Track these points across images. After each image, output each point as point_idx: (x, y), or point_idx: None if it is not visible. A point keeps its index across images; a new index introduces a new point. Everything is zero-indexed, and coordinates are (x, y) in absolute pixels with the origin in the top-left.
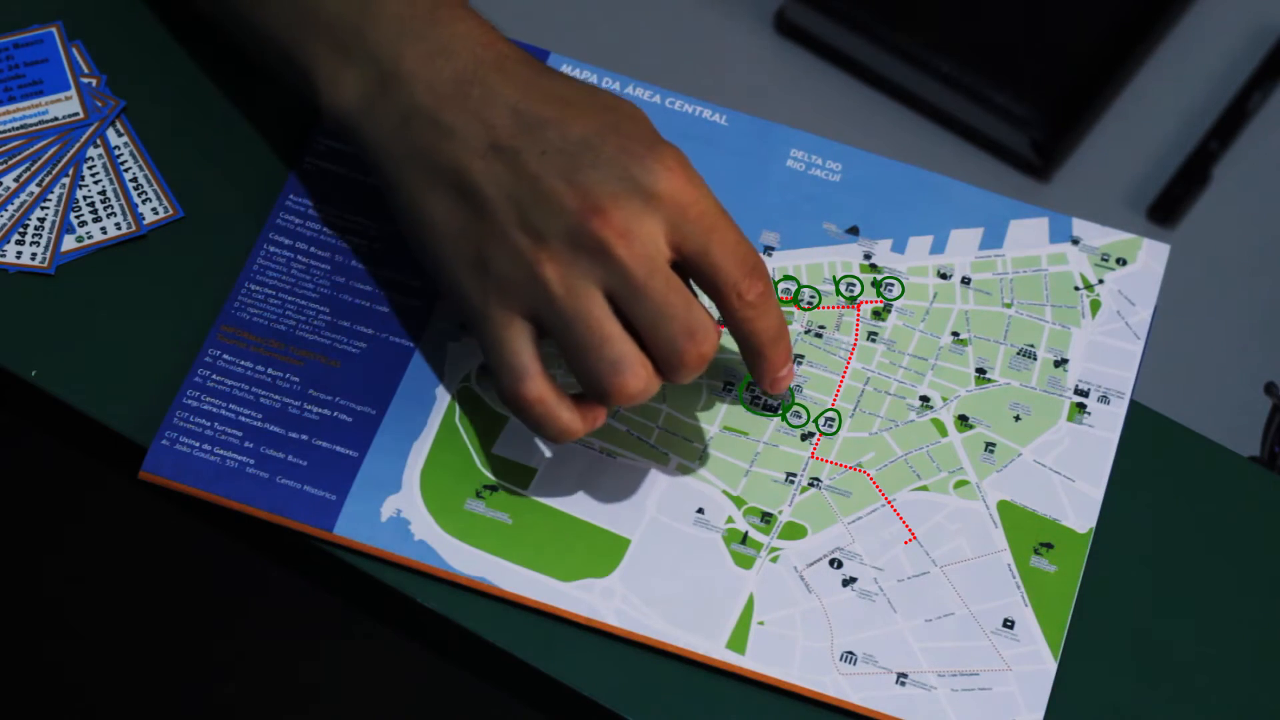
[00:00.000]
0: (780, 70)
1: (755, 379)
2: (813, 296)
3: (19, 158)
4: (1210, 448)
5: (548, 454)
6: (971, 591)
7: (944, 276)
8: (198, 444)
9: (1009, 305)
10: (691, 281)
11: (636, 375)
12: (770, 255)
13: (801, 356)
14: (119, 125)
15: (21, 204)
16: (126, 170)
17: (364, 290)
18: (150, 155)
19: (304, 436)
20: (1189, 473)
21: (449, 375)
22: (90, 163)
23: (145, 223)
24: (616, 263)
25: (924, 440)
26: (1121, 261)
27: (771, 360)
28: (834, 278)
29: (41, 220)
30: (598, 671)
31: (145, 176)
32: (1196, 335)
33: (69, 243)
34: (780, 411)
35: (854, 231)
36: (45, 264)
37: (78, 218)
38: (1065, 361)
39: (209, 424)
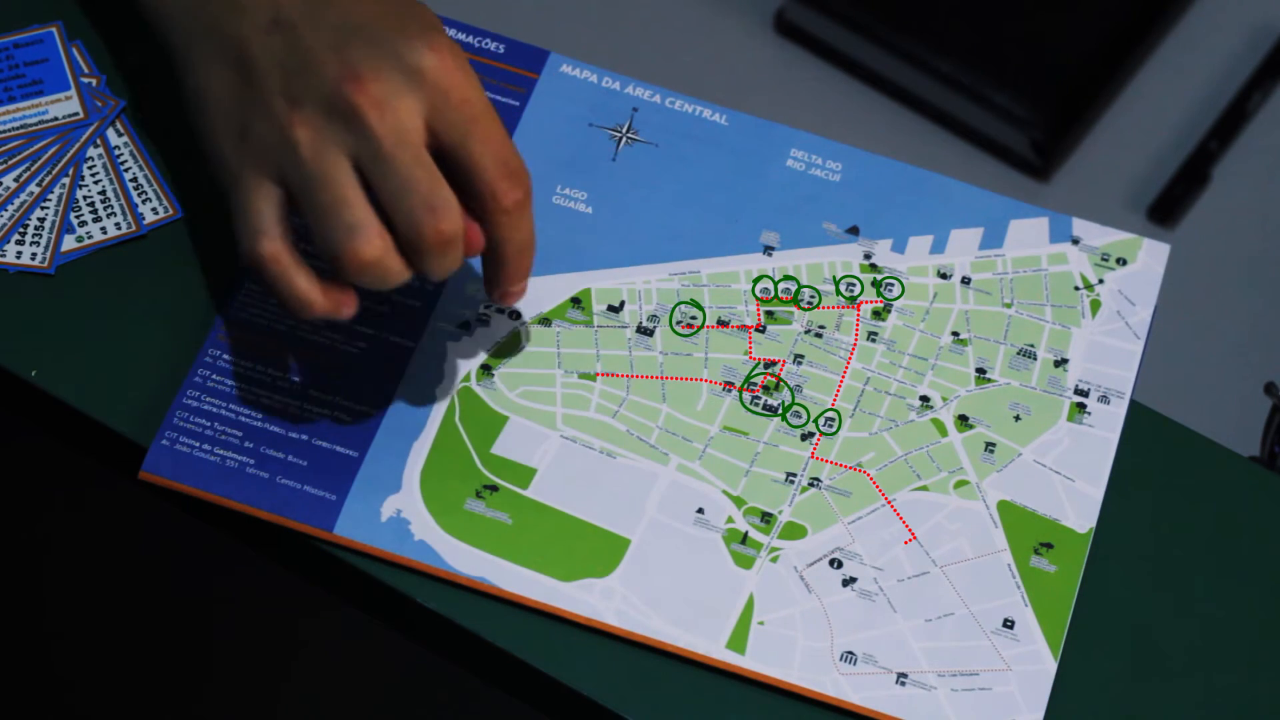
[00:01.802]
0: (780, 70)
1: (487, 286)
2: (813, 296)
3: (19, 158)
4: (1210, 448)
5: (547, 454)
6: (971, 591)
7: (944, 276)
8: (198, 444)
9: (1009, 305)
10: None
11: (371, 243)
12: (770, 255)
13: (801, 356)
14: (119, 125)
15: (21, 204)
16: (126, 170)
17: (364, 290)
18: (150, 155)
19: (304, 436)
20: (1189, 473)
21: (449, 375)
22: (90, 163)
23: (145, 223)
24: (366, 130)
25: (924, 440)
26: (1121, 261)
27: (510, 270)
28: (834, 278)
29: (41, 220)
30: (598, 671)
31: (145, 176)
32: (1196, 335)
33: (69, 243)
34: (780, 411)
35: (854, 231)
36: (45, 264)
37: (78, 218)
38: (1065, 361)
39: (209, 424)
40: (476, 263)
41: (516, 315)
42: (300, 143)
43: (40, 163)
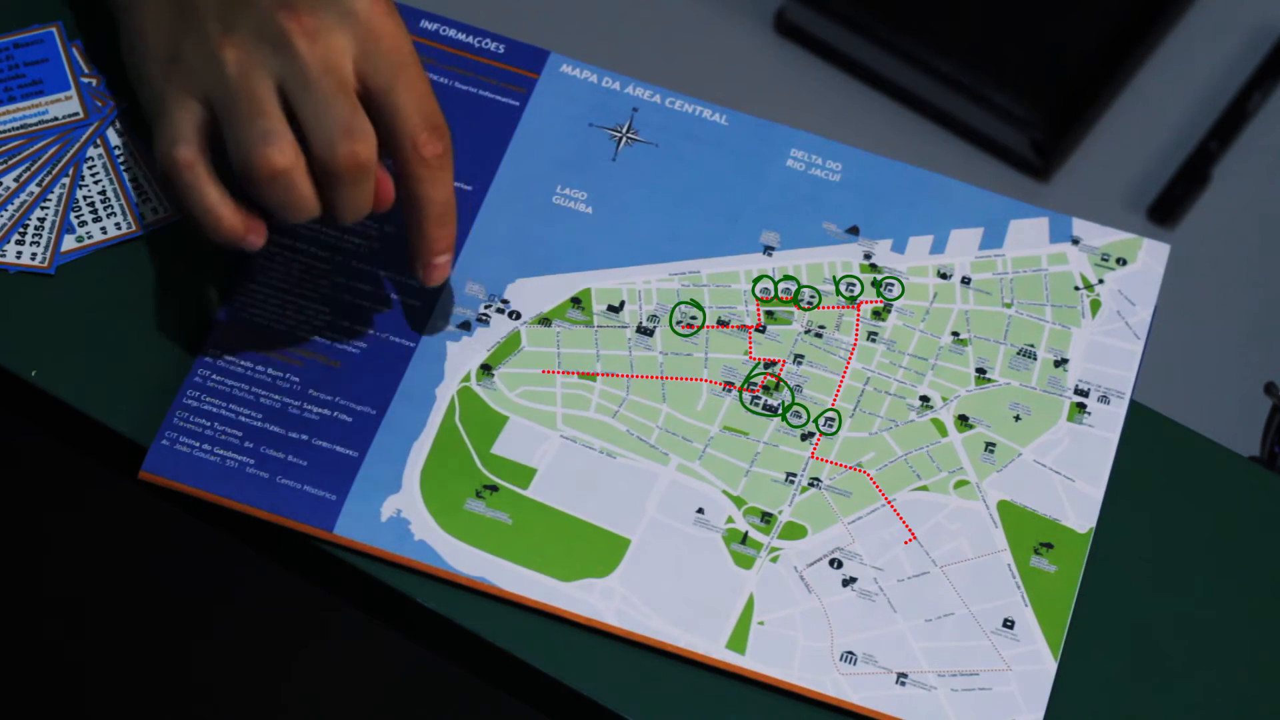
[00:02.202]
0: (780, 70)
1: (411, 263)
2: (813, 296)
3: (19, 158)
4: (1210, 448)
5: (547, 454)
6: (971, 591)
7: (944, 276)
8: (198, 444)
9: (1009, 305)
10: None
11: (283, 151)
12: (770, 255)
13: (801, 356)
14: (119, 125)
15: (21, 204)
16: (126, 170)
17: (364, 290)
18: (150, 155)
19: (304, 436)
20: (1189, 473)
21: (449, 375)
22: (90, 163)
23: (145, 223)
24: (294, 55)
25: (924, 440)
26: (1121, 261)
27: (431, 238)
28: (834, 278)
29: (41, 220)
30: (598, 671)
31: (145, 176)
32: (1196, 335)
33: (69, 243)
34: (780, 411)
35: (854, 231)
36: (45, 264)
37: (78, 218)
38: (1065, 361)
39: (209, 424)
40: (476, 262)
41: (516, 315)
42: (227, 61)
43: (40, 163)
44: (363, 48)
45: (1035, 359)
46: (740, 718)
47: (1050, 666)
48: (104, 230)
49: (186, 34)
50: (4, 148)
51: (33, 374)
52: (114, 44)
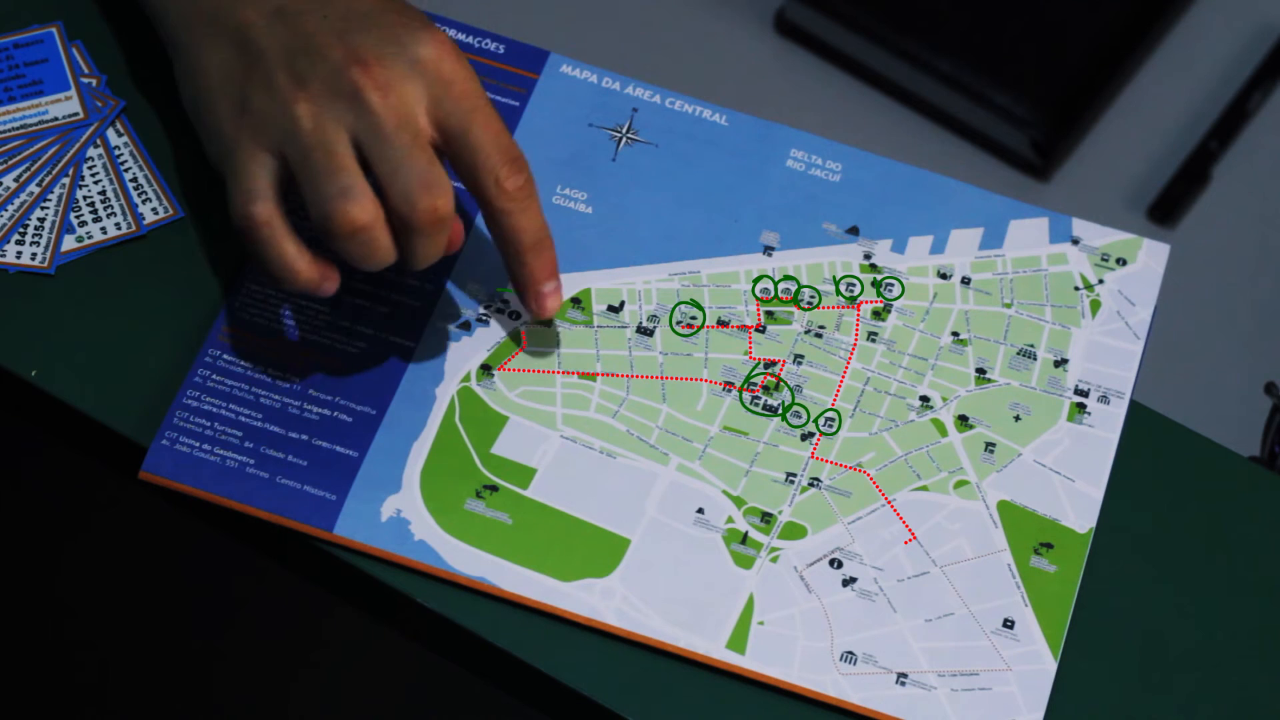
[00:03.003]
0: (780, 70)
1: (519, 295)
2: (813, 296)
3: (19, 158)
4: (1210, 448)
5: (547, 454)
6: (971, 591)
7: (944, 276)
8: (198, 444)
9: (1009, 305)
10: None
11: (364, 206)
12: (770, 255)
13: (801, 356)
14: (119, 125)
15: (21, 204)
16: (126, 170)
17: (364, 290)
18: (150, 155)
19: (304, 436)
20: (1189, 473)
21: (449, 375)
22: (90, 163)
23: (145, 223)
24: (368, 110)
25: (924, 440)
26: (1121, 261)
27: (533, 269)
28: (834, 278)
29: (41, 220)
30: (598, 671)
31: (145, 176)
32: (1196, 335)
33: (69, 243)
34: (780, 411)
35: (854, 231)
36: (45, 264)
37: (78, 218)
38: (1065, 361)
39: (209, 424)
40: (475, 260)
41: (516, 315)
42: (301, 116)
43: (40, 163)
44: (434, 94)
45: (1035, 359)
46: (740, 718)
47: (1050, 666)
48: (104, 230)
49: (255, 84)
50: (4, 148)
51: (33, 374)
52: (114, 44)
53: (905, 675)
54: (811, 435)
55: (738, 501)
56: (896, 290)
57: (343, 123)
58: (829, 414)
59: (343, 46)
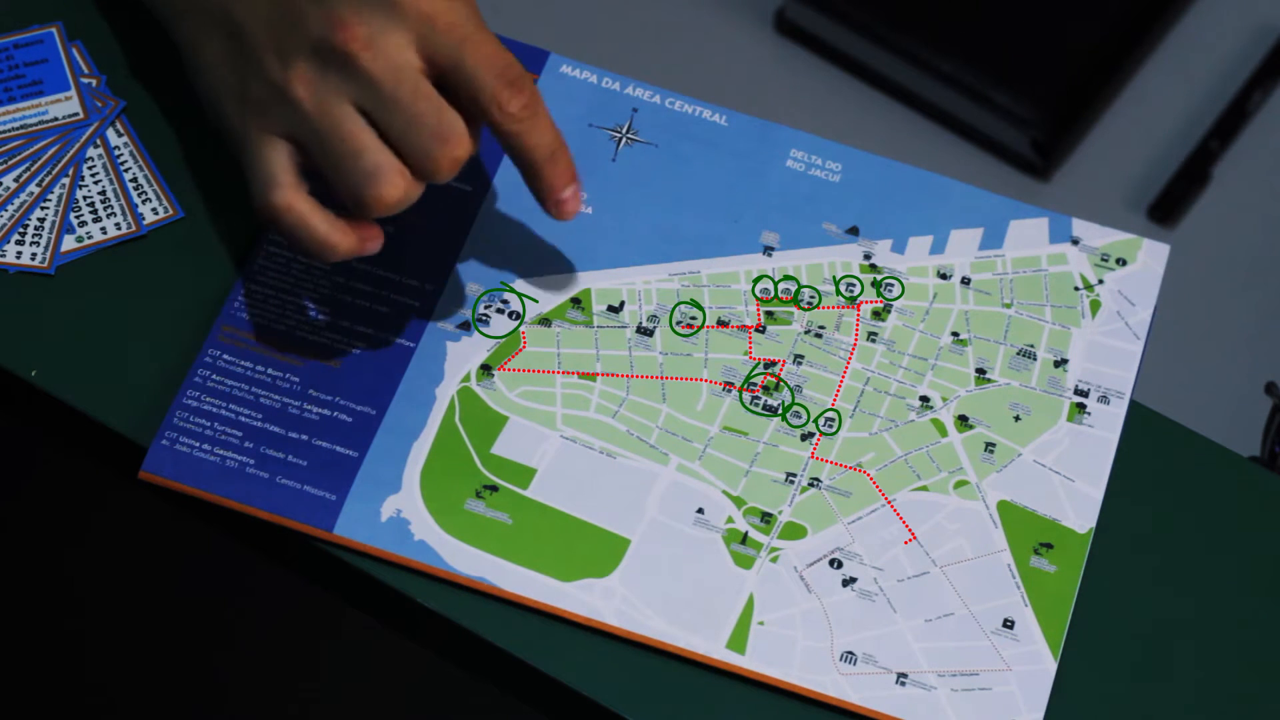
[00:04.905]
0: (780, 70)
1: (539, 202)
2: (813, 296)
3: (19, 158)
4: (1210, 448)
5: (547, 455)
6: (971, 591)
7: (944, 276)
8: (198, 444)
9: (1009, 305)
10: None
11: (394, 184)
12: (770, 255)
13: (801, 356)
14: (119, 125)
15: (21, 204)
16: (126, 170)
17: (364, 290)
18: (150, 155)
19: (304, 436)
20: (1189, 473)
21: (449, 375)
22: (90, 163)
23: (145, 223)
24: (363, 74)
25: (924, 440)
26: (1121, 261)
27: (549, 179)
28: (834, 278)
29: (41, 220)
30: (598, 671)
31: (145, 176)
32: (1196, 335)
33: (69, 243)
34: (780, 412)
35: (854, 231)
36: (45, 264)
37: (78, 218)
38: (1065, 361)
39: (209, 424)
40: (476, 262)
41: (516, 315)
42: (301, 98)
43: (40, 163)
44: (421, 34)
45: (1035, 359)
46: (740, 718)
47: (1050, 666)
48: (104, 230)
49: (247, 68)
50: (4, 148)
51: (33, 374)
52: (114, 44)
53: (905, 675)
54: (811, 435)
55: (738, 501)
56: (896, 290)
57: (343, 94)
58: (829, 414)
59: (320, 11)
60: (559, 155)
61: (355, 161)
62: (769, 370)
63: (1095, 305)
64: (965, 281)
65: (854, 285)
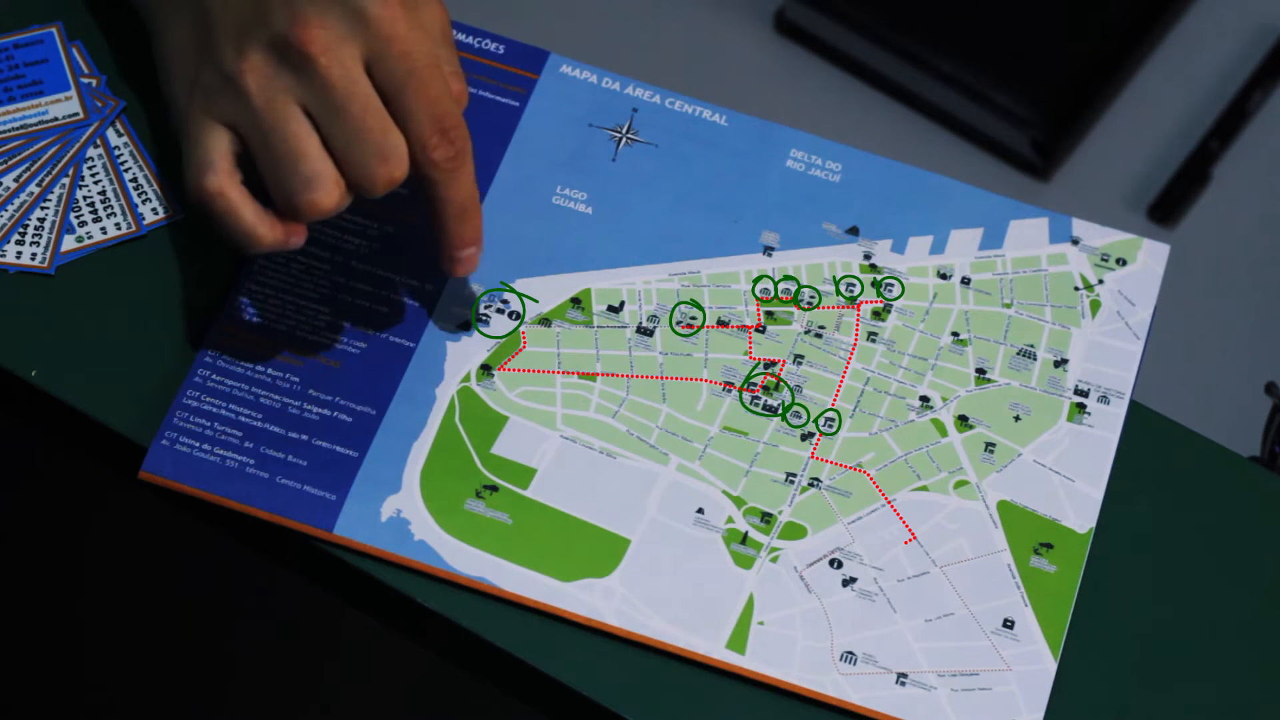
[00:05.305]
0: (780, 70)
1: (438, 254)
2: (813, 296)
3: (19, 158)
4: (1210, 448)
5: (547, 454)
6: (971, 591)
7: (944, 276)
8: (198, 444)
9: (1009, 305)
10: None
11: (329, 193)
12: (770, 255)
13: (801, 356)
14: (119, 125)
15: (21, 204)
16: (126, 170)
17: (364, 290)
18: (150, 155)
19: (304, 436)
20: (1189, 473)
21: (449, 375)
22: (90, 163)
23: (145, 223)
24: (317, 78)
25: (924, 440)
26: (1121, 261)
27: (454, 234)
28: (834, 278)
29: (41, 220)
30: (598, 671)
31: (145, 176)
32: (1196, 335)
33: (69, 243)
34: (780, 412)
35: (854, 231)
36: (45, 264)
37: (78, 218)
38: (1065, 361)
39: (209, 424)
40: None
41: (516, 315)
42: (250, 91)
43: (40, 163)
44: (374, 51)
45: (1035, 359)
46: (740, 718)
47: (1050, 666)
48: (104, 230)
49: (205, 55)
50: (4, 148)
51: (33, 374)
52: (114, 44)
53: (905, 675)
54: (811, 435)
55: (738, 501)
56: (896, 290)
57: (293, 94)
58: (829, 414)
59: (286, 8)
60: (470, 213)
61: (295, 165)
62: (769, 370)
63: (1095, 305)
64: (965, 281)
65: (854, 285)
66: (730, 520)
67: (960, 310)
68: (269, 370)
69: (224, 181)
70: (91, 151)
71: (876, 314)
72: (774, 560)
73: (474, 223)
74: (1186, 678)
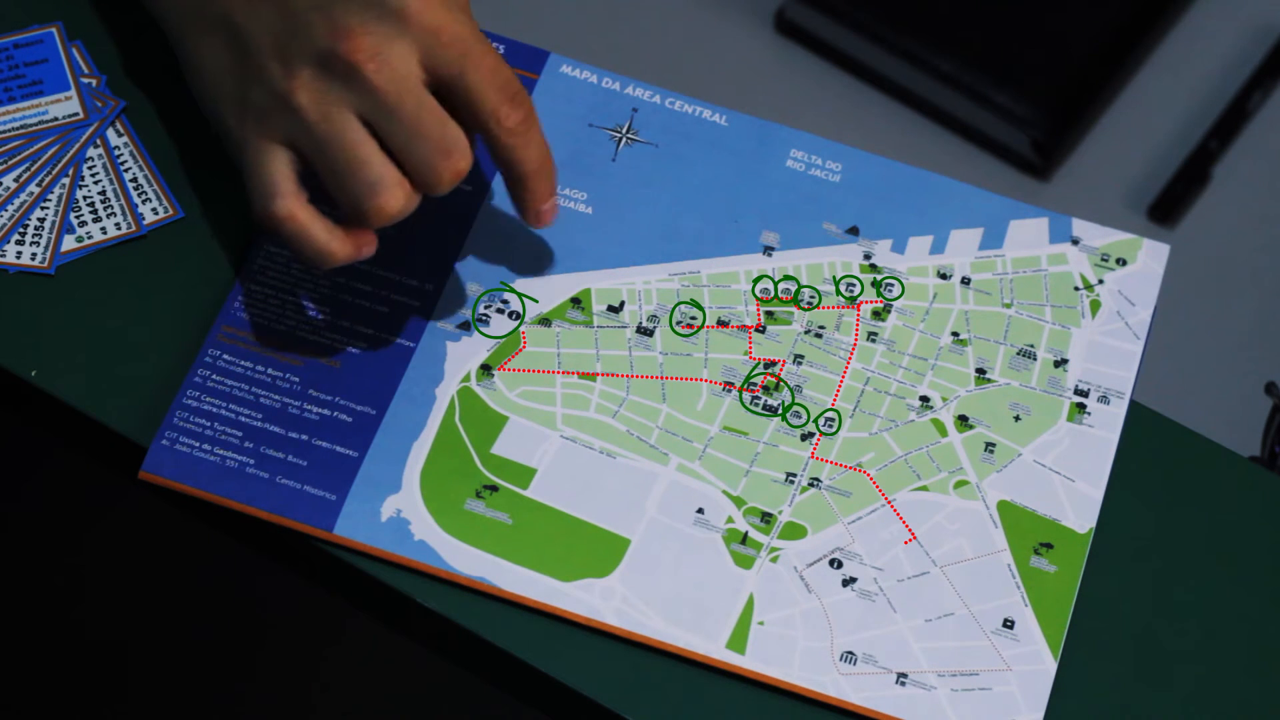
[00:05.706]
0: (780, 70)
1: (519, 210)
2: (813, 296)
3: (19, 158)
4: (1210, 448)
5: (547, 454)
6: (971, 591)
7: (944, 276)
8: (198, 444)
9: (1009, 305)
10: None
11: (395, 196)
12: (770, 255)
13: (801, 356)
14: (119, 125)
15: (21, 204)
16: (126, 170)
17: (364, 290)
18: (150, 155)
19: (304, 436)
20: (1189, 473)
21: (449, 375)
22: (90, 163)
23: (145, 223)
24: (367, 85)
25: (924, 440)
26: (1121, 261)
27: (534, 190)
28: (834, 278)
29: (41, 220)
30: (598, 671)
31: (145, 176)
32: (1196, 335)
33: (69, 243)
34: (780, 412)
35: (854, 231)
36: (45, 264)
37: (78, 218)
38: (1065, 361)
39: (209, 424)
40: (476, 262)
41: (516, 315)
42: (303, 107)
43: (40, 163)
44: (425, 46)
45: (1035, 359)
46: (740, 718)
47: (1050, 666)
48: (104, 230)
49: (249, 75)
50: (4, 148)
51: (33, 374)
52: (114, 44)
53: (905, 675)
54: (811, 435)
55: (738, 501)
56: (896, 290)
57: (346, 104)
58: (829, 414)
59: (324, 18)
60: (547, 169)
61: (357, 172)
62: (769, 370)
63: (1095, 305)
64: (965, 281)
65: (854, 285)
66: (730, 520)
67: (960, 310)
68: (269, 370)
69: (292, 204)
70: (91, 151)
71: (876, 314)
72: (774, 560)
73: (551, 177)
74: (1186, 677)
